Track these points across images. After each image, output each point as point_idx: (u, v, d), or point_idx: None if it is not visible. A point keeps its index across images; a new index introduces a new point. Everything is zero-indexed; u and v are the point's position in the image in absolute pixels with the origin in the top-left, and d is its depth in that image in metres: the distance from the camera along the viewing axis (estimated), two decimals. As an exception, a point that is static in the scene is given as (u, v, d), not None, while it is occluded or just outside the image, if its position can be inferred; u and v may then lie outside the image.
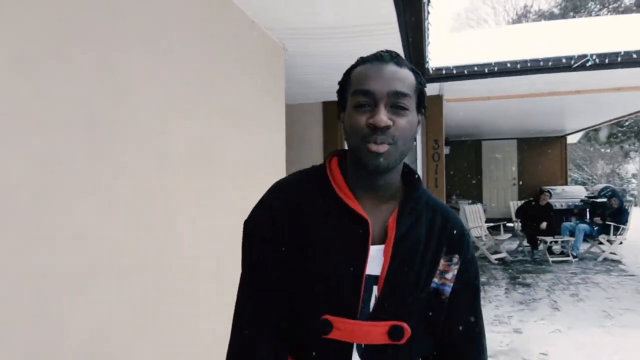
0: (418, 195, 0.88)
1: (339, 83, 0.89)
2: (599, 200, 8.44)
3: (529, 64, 4.00)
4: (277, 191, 0.90)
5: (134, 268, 1.56)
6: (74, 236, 1.30)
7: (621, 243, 7.56)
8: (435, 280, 0.87)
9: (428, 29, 2.91)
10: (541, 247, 7.26)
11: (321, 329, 0.81)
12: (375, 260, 0.83)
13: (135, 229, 1.58)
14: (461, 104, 5.80)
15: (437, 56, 4.23)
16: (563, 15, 17.43)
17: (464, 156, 11.40)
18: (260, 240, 0.87)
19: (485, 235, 7.42)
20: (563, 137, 11.23)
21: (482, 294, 5.03)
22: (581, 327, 4.02)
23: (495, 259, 7.02)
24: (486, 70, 4.02)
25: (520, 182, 11.32)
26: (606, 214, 7.44)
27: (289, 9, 2.57)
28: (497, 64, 4.02)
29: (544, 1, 22.99)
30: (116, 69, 1.49)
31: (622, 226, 7.12)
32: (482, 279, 5.94)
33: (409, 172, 0.92)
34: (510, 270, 6.49)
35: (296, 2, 2.47)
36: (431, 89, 5.01)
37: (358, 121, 0.80)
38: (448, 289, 0.88)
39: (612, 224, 7.12)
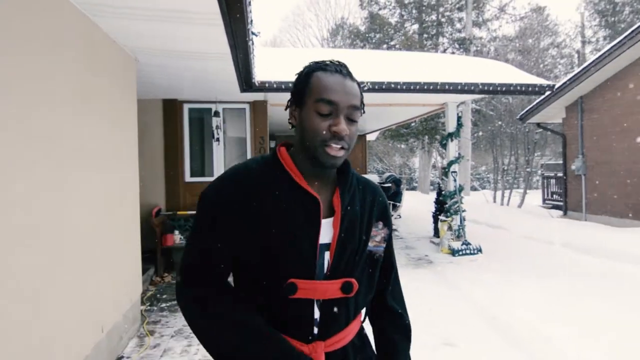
0: (351, 177, 1.06)
1: (296, 83, 1.01)
2: (385, 185, 11.01)
3: (327, 85, 5.45)
4: (237, 175, 0.99)
5: (43, 230, 2.19)
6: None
7: (399, 217, 10.21)
8: (370, 244, 1.04)
9: (253, 60, 3.95)
10: (344, 222, 9.18)
11: (288, 290, 0.93)
12: (325, 231, 0.97)
13: (40, 203, 2.20)
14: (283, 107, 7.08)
15: (263, 70, 5.33)
16: (367, 32, 20.84)
17: (289, 149, 13.03)
18: (217, 218, 0.96)
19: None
20: (364, 136, 13.92)
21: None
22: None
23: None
24: (298, 87, 5.32)
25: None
26: (387, 195, 9.89)
27: (142, 35, 3.26)
28: (305, 82, 5.35)
29: (356, 17, 26.67)
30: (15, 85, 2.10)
31: (398, 204, 9.63)
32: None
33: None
34: (320, 241, 8.17)
35: (148, 32, 3.19)
36: (258, 96, 6.13)
37: (320, 126, 0.94)
38: (380, 249, 1.07)
39: (391, 202, 9.58)
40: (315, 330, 0.97)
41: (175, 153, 6.14)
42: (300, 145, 1.00)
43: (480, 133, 16.40)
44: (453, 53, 19.55)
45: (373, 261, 1.06)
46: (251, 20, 3.08)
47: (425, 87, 5.75)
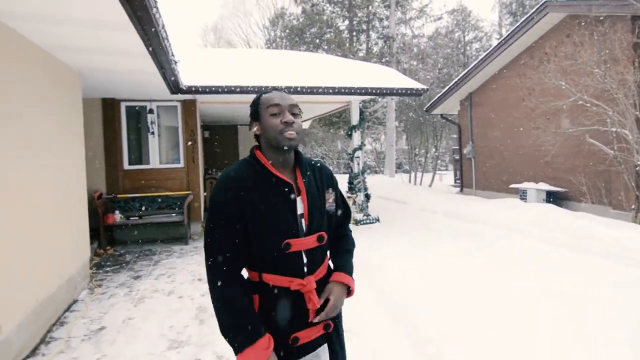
0: (303, 160, 1.50)
1: (251, 106, 1.46)
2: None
3: (244, 89, 6.68)
4: (231, 179, 1.37)
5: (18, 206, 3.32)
6: None
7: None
8: (326, 205, 1.51)
9: (178, 74, 5.11)
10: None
11: (285, 248, 1.36)
12: (299, 205, 1.41)
13: (19, 184, 3.32)
14: (213, 104, 8.23)
15: (192, 74, 6.45)
16: (302, 27, 21.97)
17: (225, 137, 14.18)
18: (225, 213, 1.34)
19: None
20: (295, 125, 15.20)
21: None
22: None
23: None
24: (219, 90, 6.51)
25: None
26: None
27: (82, 53, 4.34)
28: (226, 86, 6.55)
29: (297, 7, 27.60)
30: None
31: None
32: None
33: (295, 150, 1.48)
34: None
35: (90, 58, 4.28)
36: (187, 96, 7.24)
37: (275, 122, 1.38)
38: (333, 208, 1.54)
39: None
40: (305, 269, 1.40)
41: (114, 145, 7.10)
42: (267, 143, 1.41)
43: (399, 123, 18.26)
44: (382, 48, 21.28)
45: (330, 217, 1.52)
46: (172, 54, 4.27)
47: (328, 90, 7.14)
